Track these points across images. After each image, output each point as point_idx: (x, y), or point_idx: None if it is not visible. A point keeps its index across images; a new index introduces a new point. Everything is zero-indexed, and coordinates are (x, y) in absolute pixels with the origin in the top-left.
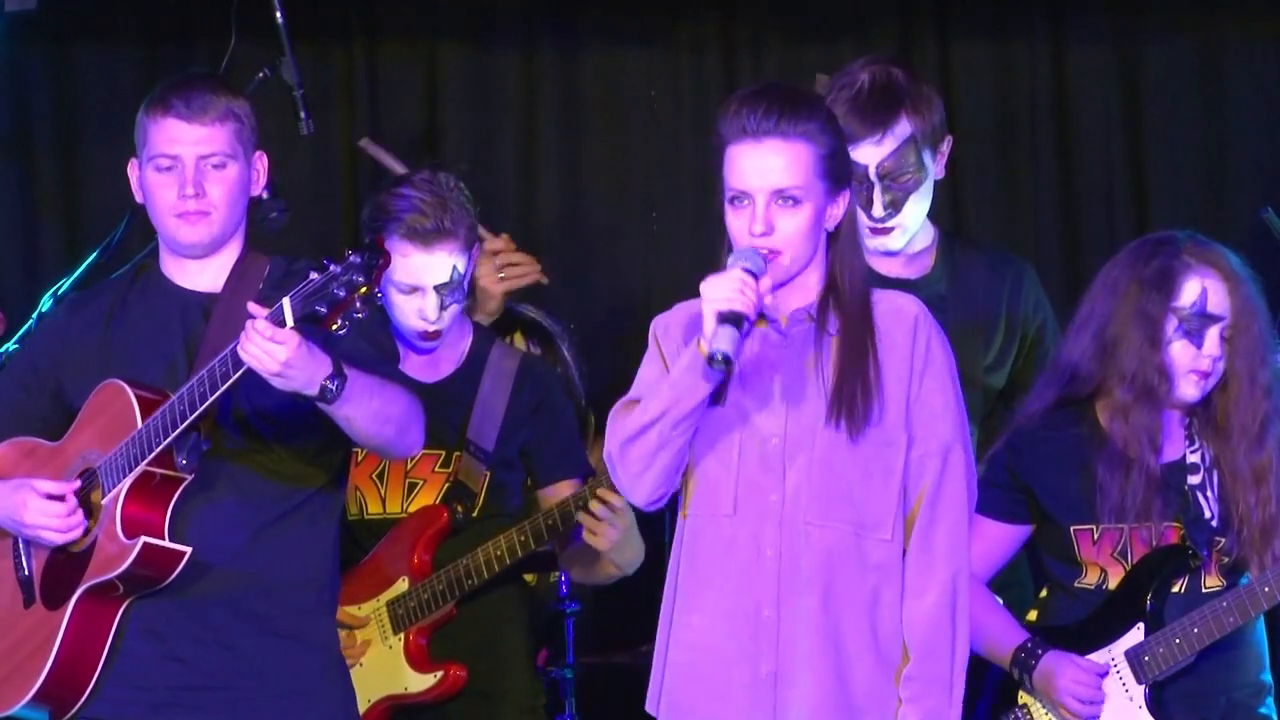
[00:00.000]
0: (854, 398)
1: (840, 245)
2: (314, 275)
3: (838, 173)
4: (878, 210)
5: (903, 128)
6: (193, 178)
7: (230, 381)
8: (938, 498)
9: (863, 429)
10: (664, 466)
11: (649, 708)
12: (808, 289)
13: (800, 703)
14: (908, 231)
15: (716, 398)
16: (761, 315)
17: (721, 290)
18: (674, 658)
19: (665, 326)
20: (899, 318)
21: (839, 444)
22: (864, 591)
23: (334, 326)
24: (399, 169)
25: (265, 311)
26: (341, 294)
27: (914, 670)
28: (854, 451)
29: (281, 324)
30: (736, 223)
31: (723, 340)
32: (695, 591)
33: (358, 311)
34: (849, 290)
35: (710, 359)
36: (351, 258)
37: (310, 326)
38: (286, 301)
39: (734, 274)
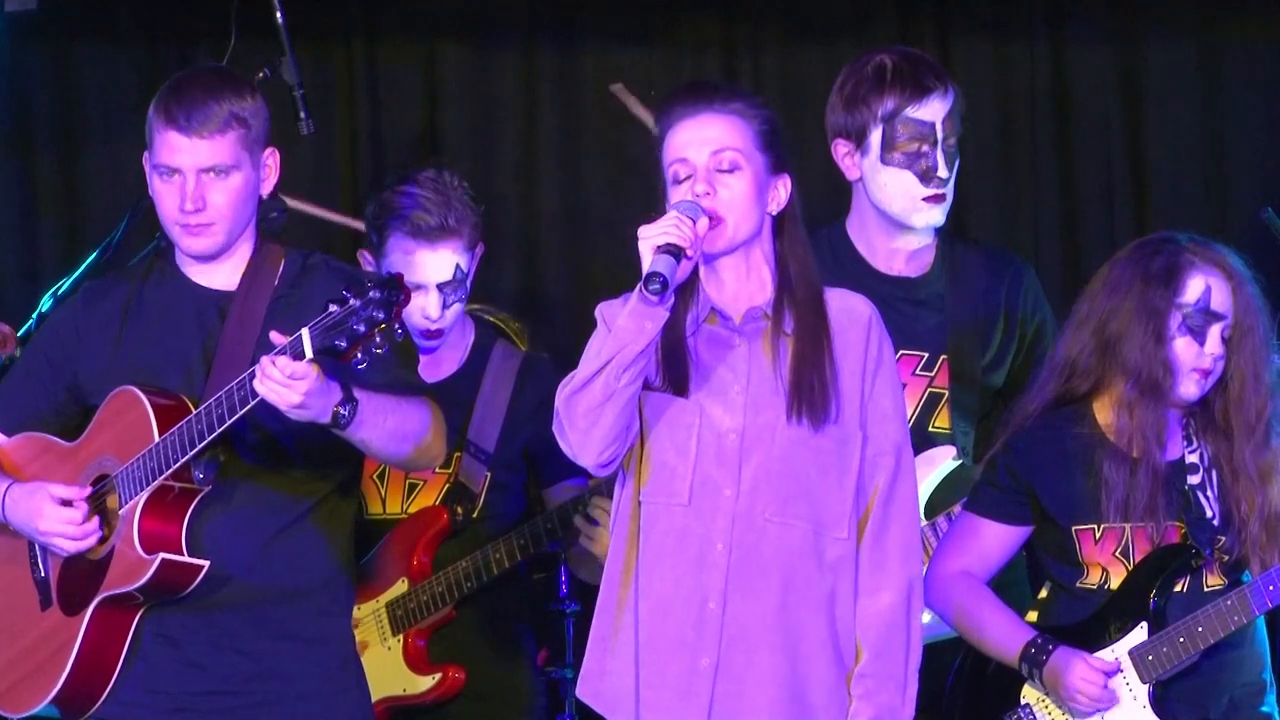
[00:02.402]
0: (813, 395)
1: (788, 236)
2: (333, 308)
3: (777, 151)
4: (943, 170)
5: (950, 86)
6: (193, 192)
7: (249, 407)
8: (891, 497)
9: (822, 426)
10: (612, 421)
11: (579, 692)
12: (762, 286)
13: (748, 697)
14: (949, 205)
15: (678, 387)
16: (713, 312)
17: (657, 228)
18: (619, 642)
19: (611, 307)
20: (852, 317)
21: (798, 441)
22: (822, 590)
23: (352, 359)
24: (647, 118)
25: (285, 340)
26: (361, 329)
27: (867, 668)
28: (813, 449)
29: (300, 355)
30: (678, 196)
31: (659, 264)
32: (644, 578)
33: (377, 347)
34: (802, 287)
35: (646, 280)
36: (371, 293)
37: (329, 359)
38: (306, 333)
39: (669, 214)
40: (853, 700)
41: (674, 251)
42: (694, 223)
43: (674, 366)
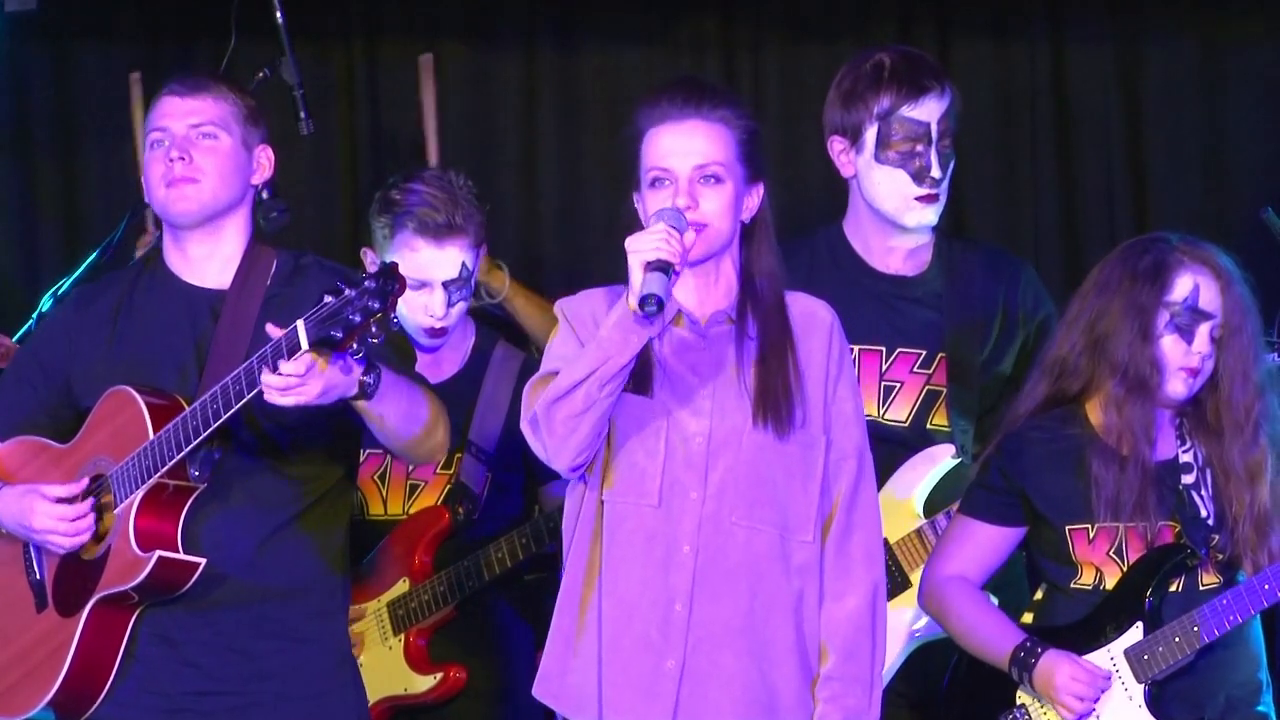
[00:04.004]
0: (778, 401)
1: (756, 242)
2: (328, 299)
3: (755, 161)
4: (936, 170)
5: (948, 87)
6: (179, 142)
7: (244, 400)
8: (855, 502)
9: (788, 431)
10: (589, 429)
11: (536, 692)
12: (727, 289)
13: (713, 699)
14: (942, 205)
15: (642, 388)
16: (680, 314)
17: (647, 243)
18: (583, 643)
19: (573, 306)
20: (814, 322)
21: (765, 446)
22: (789, 594)
23: (348, 350)
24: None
25: (281, 332)
26: (357, 319)
27: (834, 671)
28: (779, 454)
29: (296, 347)
30: (657, 203)
31: (653, 284)
32: (609, 577)
33: (373, 336)
34: (764, 291)
35: (642, 302)
36: (366, 283)
37: (325, 350)
38: (301, 325)
39: (658, 227)
40: (818, 703)
41: (664, 268)
42: (681, 234)
43: (640, 369)
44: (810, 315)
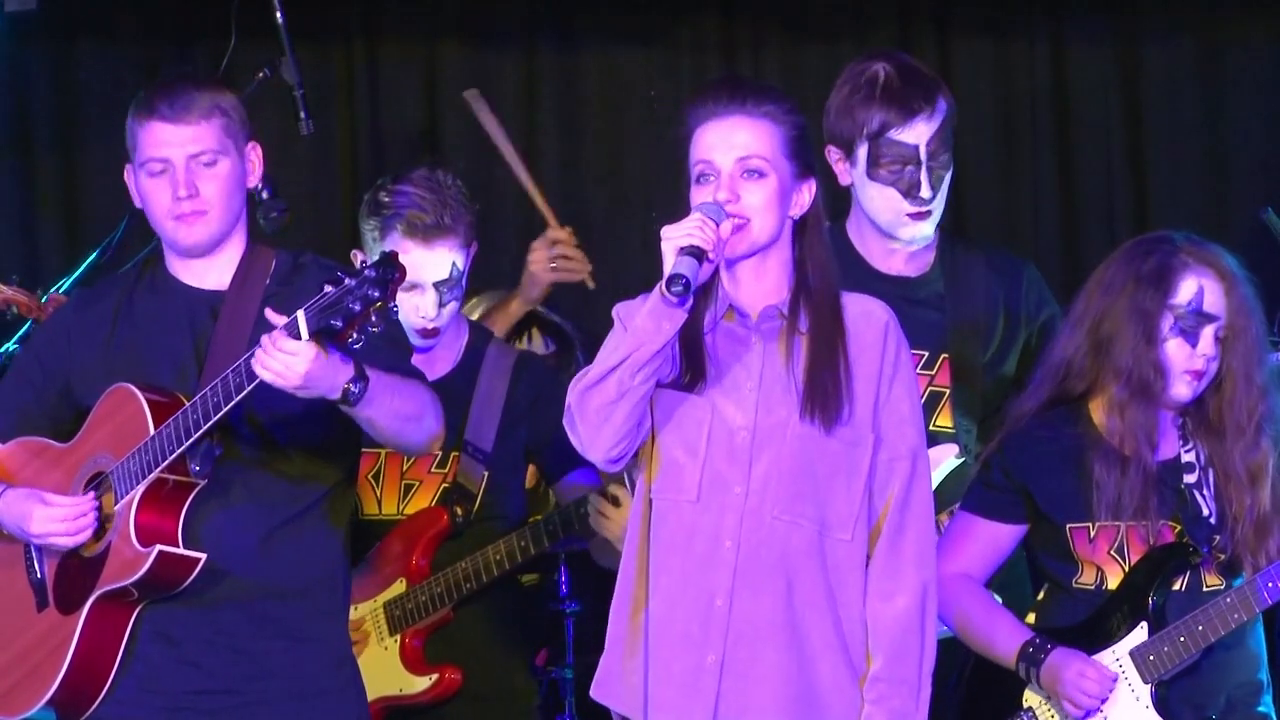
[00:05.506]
0: (825, 395)
1: (808, 239)
2: (328, 288)
3: (804, 157)
4: (926, 190)
5: (941, 104)
6: (185, 179)
7: (245, 392)
8: (907, 502)
9: (833, 427)
10: (623, 419)
11: (594, 694)
12: (778, 285)
13: (753, 695)
14: (937, 218)
15: (690, 383)
16: (730, 309)
17: (681, 229)
18: (636, 642)
19: (628, 308)
20: (869, 321)
21: (809, 441)
22: (824, 590)
23: (349, 339)
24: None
25: (282, 320)
26: (357, 308)
27: (881, 671)
28: (823, 450)
29: (297, 336)
30: (700, 197)
31: (682, 266)
32: (654, 574)
33: (373, 325)
34: (819, 288)
35: (669, 282)
36: (366, 271)
37: (325, 340)
38: (301, 315)
39: (693, 216)
40: (865, 704)
41: (696, 253)
42: (717, 225)
43: (693, 362)
44: (866, 314)
